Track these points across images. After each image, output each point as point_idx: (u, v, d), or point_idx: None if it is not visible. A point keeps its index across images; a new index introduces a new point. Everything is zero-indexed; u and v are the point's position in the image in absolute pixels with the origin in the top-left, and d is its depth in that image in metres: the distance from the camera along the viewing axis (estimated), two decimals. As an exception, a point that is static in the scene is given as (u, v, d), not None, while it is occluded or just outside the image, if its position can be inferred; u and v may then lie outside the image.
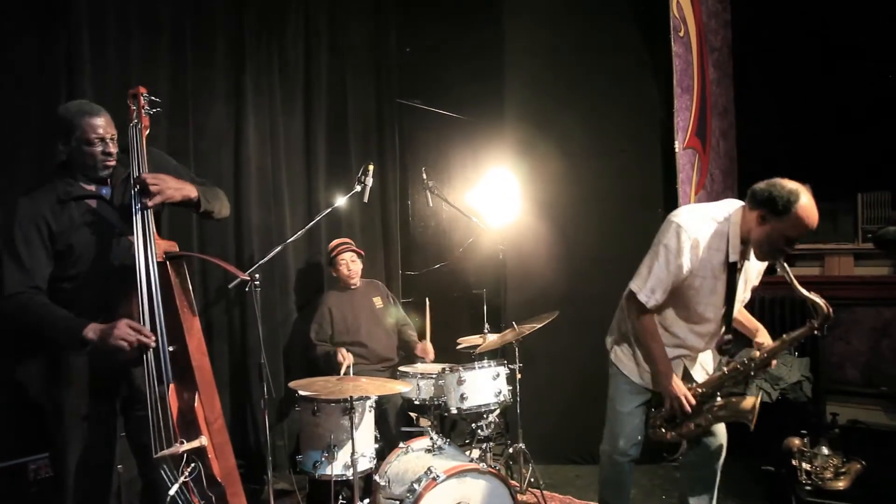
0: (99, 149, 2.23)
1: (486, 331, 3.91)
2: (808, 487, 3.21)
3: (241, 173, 4.08)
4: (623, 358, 2.69)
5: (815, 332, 2.30)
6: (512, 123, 4.57)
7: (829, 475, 3.24)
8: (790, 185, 2.25)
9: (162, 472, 2.01)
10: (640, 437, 2.65)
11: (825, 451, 3.37)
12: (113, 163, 2.28)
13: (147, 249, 2.14)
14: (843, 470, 3.25)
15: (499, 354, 4.02)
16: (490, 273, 4.87)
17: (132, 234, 2.18)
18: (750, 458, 4.02)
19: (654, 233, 2.67)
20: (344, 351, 3.82)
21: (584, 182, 4.24)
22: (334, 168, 4.74)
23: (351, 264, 4.11)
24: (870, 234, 4.88)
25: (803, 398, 4.21)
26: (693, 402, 2.48)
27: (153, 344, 2.07)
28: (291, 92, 4.47)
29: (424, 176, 4.18)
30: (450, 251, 5.47)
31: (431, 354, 4.04)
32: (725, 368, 2.49)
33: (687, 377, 2.60)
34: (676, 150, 3.96)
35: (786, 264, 2.35)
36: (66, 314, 2.14)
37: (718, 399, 2.50)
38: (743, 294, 2.58)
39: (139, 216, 2.17)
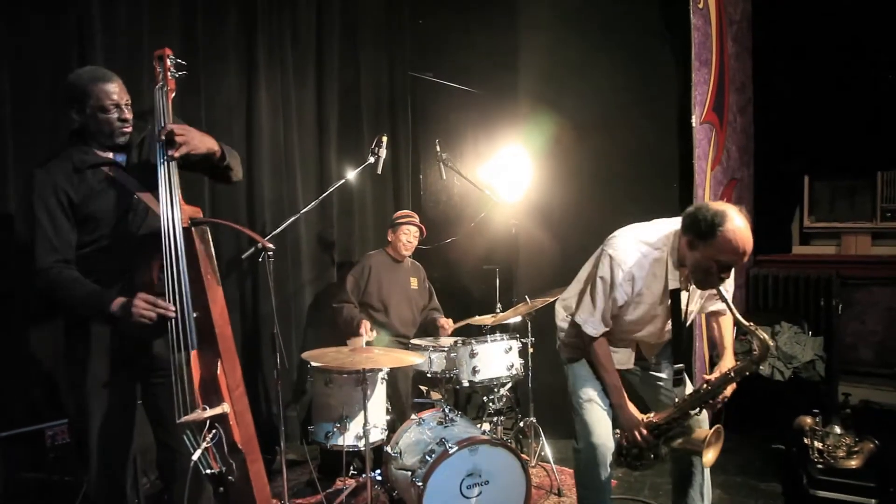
0: (115, 115, 2.19)
1: (497, 310, 3.90)
2: (819, 465, 3.19)
3: (253, 145, 4.06)
4: (572, 345, 2.62)
5: (756, 366, 2.25)
6: (525, 97, 4.50)
7: (841, 454, 3.22)
8: (716, 206, 2.12)
9: (185, 437, 2.00)
10: (615, 429, 2.53)
11: (837, 430, 3.35)
12: (129, 129, 2.24)
13: (172, 207, 2.08)
14: (855, 449, 3.23)
15: (511, 328, 4.01)
16: (502, 248, 4.85)
17: (150, 195, 2.15)
18: (761, 436, 4.03)
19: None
20: (368, 326, 3.81)
21: (598, 157, 4.18)
22: (346, 140, 4.71)
23: (413, 238, 4.16)
24: (889, 213, 4.82)
25: (816, 377, 4.19)
26: (646, 433, 2.41)
27: (173, 314, 2.04)
28: (303, 64, 4.42)
29: (438, 148, 4.14)
30: (462, 226, 5.44)
31: (450, 329, 4.15)
32: (677, 401, 2.43)
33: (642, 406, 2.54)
34: (693, 124, 3.88)
35: (725, 292, 2.24)
36: (93, 288, 2.13)
37: (675, 432, 2.43)
38: (693, 306, 2.49)
39: (164, 169, 2.11)
